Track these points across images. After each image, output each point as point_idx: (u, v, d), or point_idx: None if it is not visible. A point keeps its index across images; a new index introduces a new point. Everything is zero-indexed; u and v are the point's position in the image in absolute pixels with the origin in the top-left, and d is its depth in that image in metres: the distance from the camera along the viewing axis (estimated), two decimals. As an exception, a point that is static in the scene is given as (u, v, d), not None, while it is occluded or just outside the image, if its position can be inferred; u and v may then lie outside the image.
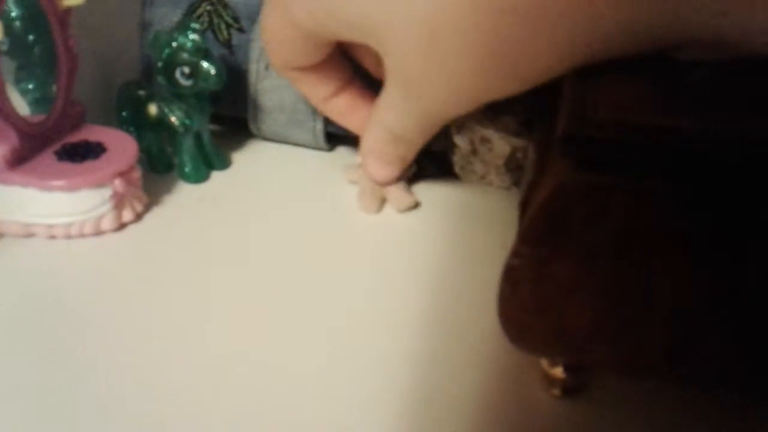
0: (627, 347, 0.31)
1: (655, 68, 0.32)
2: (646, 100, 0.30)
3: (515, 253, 0.30)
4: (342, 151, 0.59)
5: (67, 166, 0.47)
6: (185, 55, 0.49)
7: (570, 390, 0.36)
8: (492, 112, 0.53)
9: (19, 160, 0.46)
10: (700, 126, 0.28)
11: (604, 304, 0.30)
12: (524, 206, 0.34)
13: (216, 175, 0.55)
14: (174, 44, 0.49)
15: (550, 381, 0.36)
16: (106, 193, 0.46)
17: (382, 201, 0.52)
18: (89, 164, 0.47)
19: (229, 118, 0.59)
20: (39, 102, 0.54)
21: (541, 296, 0.30)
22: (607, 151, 0.28)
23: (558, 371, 0.35)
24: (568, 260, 0.29)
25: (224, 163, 0.56)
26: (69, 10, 0.48)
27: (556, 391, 0.36)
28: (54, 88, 0.50)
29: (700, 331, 0.30)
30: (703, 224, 0.28)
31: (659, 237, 0.28)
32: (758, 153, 0.27)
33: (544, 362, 0.36)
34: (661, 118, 0.29)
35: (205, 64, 0.49)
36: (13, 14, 0.51)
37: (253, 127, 0.58)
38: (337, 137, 0.58)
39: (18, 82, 0.53)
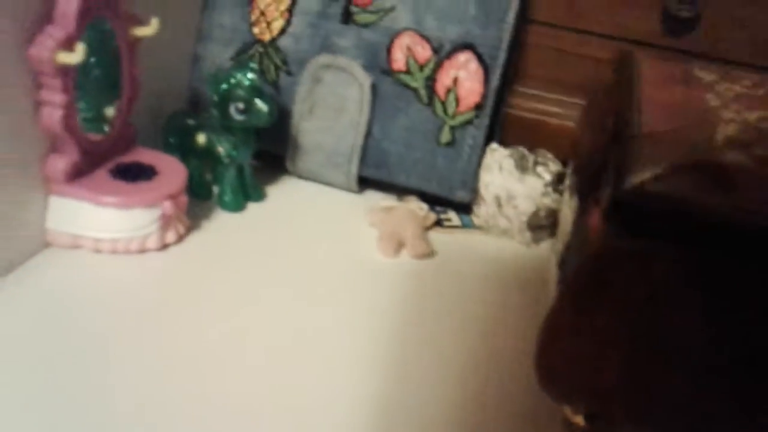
0: (648, 401, 0.33)
1: (693, 143, 0.36)
2: (689, 173, 0.33)
3: (557, 308, 0.33)
4: (370, 194, 0.62)
5: (121, 184, 0.49)
6: (241, 92, 0.52)
7: (589, 438, 0.38)
8: (520, 172, 0.57)
9: (77, 174, 0.48)
10: (736, 203, 0.31)
11: (634, 359, 0.32)
12: (563, 265, 0.37)
13: (252, 207, 0.58)
14: (232, 80, 0.52)
15: (571, 428, 0.38)
16: (156, 213, 0.49)
17: (400, 246, 0.55)
18: (142, 184, 0.49)
19: (268, 154, 0.62)
20: (89, 121, 0.56)
21: (578, 348, 0.33)
22: (649, 220, 0.32)
23: (579, 419, 0.38)
24: (607, 316, 0.32)
25: (260, 196, 0.59)
26: (138, 40, 0.51)
27: (576, 439, 0.38)
28: (105, 110, 0.53)
29: (716, 393, 0.33)
30: (733, 292, 0.31)
31: (691, 300, 0.31)
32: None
33: (567, 410, 0.38)
34: (700, 192, 0.32)
35: (258, 102, 0.52)
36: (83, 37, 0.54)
37: (289, 165, 0.61)
38: (367, 181, 0.61)
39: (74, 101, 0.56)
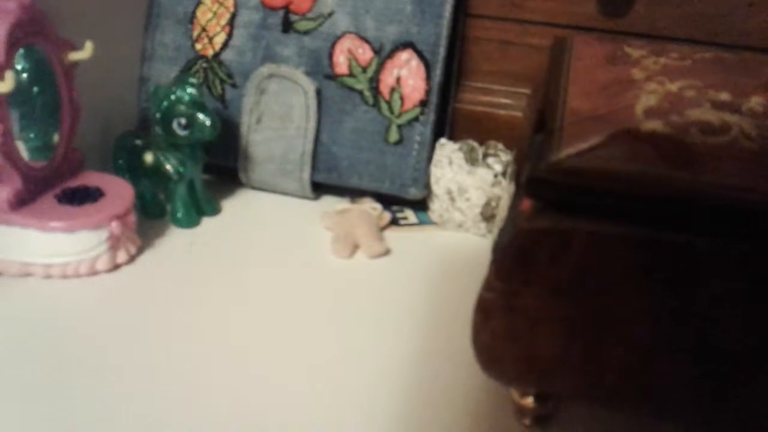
0: (589, 374, 0.33)
1: (617, 119, 0.36)
2: (606, 146, 0.33)
3: (487, 287, 0.33)
4: (326, 200, 0.62)
5: (67, 208, 0.49)
6: (182, 107, 0.52)
7: (540, 419, 0.38)
8: (470, 164, 0.57)
9: (21, 202, 0.48)
10: (652, 172, 0.32)
11: (567, 333, 0.33)
12: (496, 249, 0.37)
13: (206, 221, 0.58)
14: (172, 97, 0.52)
15: (521, 411, 0.38)
16: (103, 234, 0.49)
17: (355, 247, 0.55)
18: (88, 207, 0.49)
19: (220, 167, 0.62)
20: (39, 150, 0.57)
21: (510, 325, 0.33)
22: (568, 196, 0.32)
23: (528, 401, 0.38)
24: (535, 293, 0.32)
25: (214, 210, 0.59)
26: (74, 64, 0.51)
27: (527, 421, 0.38)
28: (54, 137, 0.53)
29: (654, 361, 0.33)
30: (654, 264, 0.31)
31: (615, 273, 0.31)
32: (709, 201, 0.31)
33: (514, 393, 0.38)
34: (620, 163, 0.32)
35: (200, 116, 0.52)
36: (20, 67, 0.54)
37: (242, 177, 0.61)
38: (323, 186, 0.62)
39: (20, 130, 0.56)
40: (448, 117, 0.62)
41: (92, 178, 0.53)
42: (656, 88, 0.39)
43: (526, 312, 0.32)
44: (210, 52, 0.61)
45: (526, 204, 0.35)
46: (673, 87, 0.39)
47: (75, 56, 0.51)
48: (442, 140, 0.59)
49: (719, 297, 0.31)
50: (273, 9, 0.60)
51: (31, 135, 0.56)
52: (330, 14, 0.59)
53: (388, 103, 0.58)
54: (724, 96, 0.37)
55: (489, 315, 0.33)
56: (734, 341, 0.31)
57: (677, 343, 0.32)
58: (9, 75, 0.45)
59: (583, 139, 0.34)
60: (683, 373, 0.32)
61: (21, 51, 0.50)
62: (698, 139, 0.34)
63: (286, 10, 0.60)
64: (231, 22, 0.61)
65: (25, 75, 0.54)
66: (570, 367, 0.33)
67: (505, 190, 0.48)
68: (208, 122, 0.53)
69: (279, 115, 0.59)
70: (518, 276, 0.32)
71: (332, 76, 0.59)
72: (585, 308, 0.32)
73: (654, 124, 0.34)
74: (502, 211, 0.43)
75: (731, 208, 0.31)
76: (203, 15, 0.61)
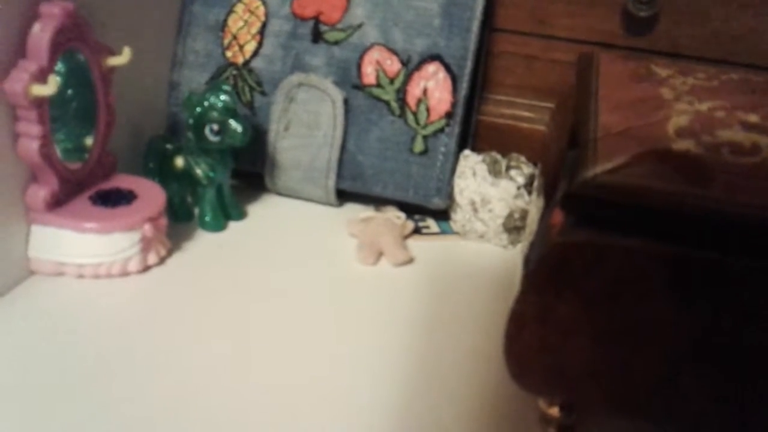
0: (619, 386, 0.34)
1: (647, 136, 0.37)
2: (640, 163, 0.34)
3: (520, 299, 0.34)
4: (350, 207, 0.63)
5: (101, 210, 0.50)
6: (215, 114, 0.53)
7: (565, 428, 0.39)
8: (493, 176, 0.58)
9: (57, 202, 0.49)
10: (685, 191, 0.33)
11: (599, 345, 0.33)
12: (527, 263, 0.38)
13: (233, 225, 0.59)
14: (206, 103, 0.54)
15: (547, 420, 0.39)
16: (136, 236, 0.50)
17: (379, 255, 0.56)
18: (121, 209, 0.50)
19: (247, 173, 0.63)
20: (69, 152, 0.58)
21: (543, 337, 0.34)
22: (603, 211, 0.33)
23: (554, 410, 0.39)
24: (568, 305, 0.33)
25: (241, 215, 0.60)
26: (112, 69, 0.52)
27: (552, 430, 0.39)
28: (86, 140, 0.54)
29: (682, 375, 0.34)
30: (686, 280, 0.32)
31: (646, 287, 0.32)
32: (740, 219, 0.32)
33: (541, 402, 0.39)
34: (654, 181, 0.33)
35: (233, 123, 0.53)
36: (57, 70, 0.56)
37: (268, 182, 0.63)
38: (346, 194, 0.63)
39: (52, 132, 0.57)
40: (471, 129, 0.63)
41: (125, 181, 0.54)
42: (686, 108, 0.40)
43: (558, 324, 0.33)
44: (240, 60, 0.62)
45: (558, 218, 0.36)
46: (703, 107, 0.40)
47: (113, 61, 0.52)
48: (466, 152, 0.60)
49: (749, 313, 0.31)
50: (303, 19, 0.61)
51: (62, 137, 0.57)
52: (359, 26, 0.60)
53: (415, 114, 0.59)
54: (753, 118, 0.38)
55: (522, 326, 0.34)
56: (764, 357, 0.32)
57: (706, 357, 0.32)
58: (52, 78, 0.46)
59: (617, 156, 0.35)
60: (711, 387, 0.33)
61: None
62: (729, 159, 0.35)
63: (317, 20, 0.61)
64: (262, 31, 0.62)
65: (59, 78, 0.56)
66: (600, 378, 0.34)
67: (533, 204, 0.49)
68: (239, 129, 0.54)
69: (306, 123, 0.60)
70: (551, 288, 0.33)
71: (360, 87, 0.60)
72: (616, 321, 0.33)
73: (686, 144, 0.35)
74: (531, 225, 0.44)
75: (762, 226, 0.32)
76: (234, 23, 0.62)
